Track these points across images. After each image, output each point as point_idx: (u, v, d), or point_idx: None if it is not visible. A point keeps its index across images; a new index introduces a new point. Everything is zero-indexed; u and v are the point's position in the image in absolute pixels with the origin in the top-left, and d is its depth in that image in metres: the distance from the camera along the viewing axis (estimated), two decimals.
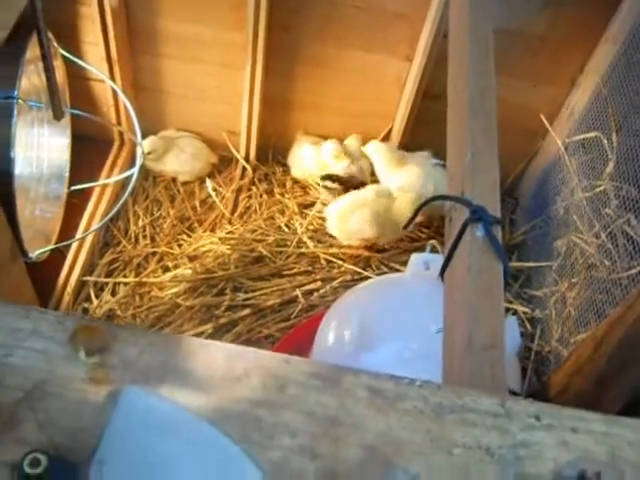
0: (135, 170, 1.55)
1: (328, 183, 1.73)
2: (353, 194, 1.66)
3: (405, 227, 1.37)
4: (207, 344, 0.56)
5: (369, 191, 1.65)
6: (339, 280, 1.59)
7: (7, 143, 1.28)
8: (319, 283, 1.58)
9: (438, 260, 1.04)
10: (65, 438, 0.49)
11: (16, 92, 1.28)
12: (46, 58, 1.17)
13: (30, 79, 1.47)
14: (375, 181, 1.80)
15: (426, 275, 1.10)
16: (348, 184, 1.72)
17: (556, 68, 1.65)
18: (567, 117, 1.69)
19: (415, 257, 1.13)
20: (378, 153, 1.75)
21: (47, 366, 0.53)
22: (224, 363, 0.55)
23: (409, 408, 0.55)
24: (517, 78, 1.66)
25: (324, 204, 1.78)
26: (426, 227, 1.76)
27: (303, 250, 1.66)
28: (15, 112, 1.29)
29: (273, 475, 0.49)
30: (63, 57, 1.51)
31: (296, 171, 1.87)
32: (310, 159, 1.83)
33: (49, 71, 1.19)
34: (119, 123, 1.86)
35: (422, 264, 1.11)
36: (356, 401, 0.54)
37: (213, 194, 1.85)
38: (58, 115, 1.29)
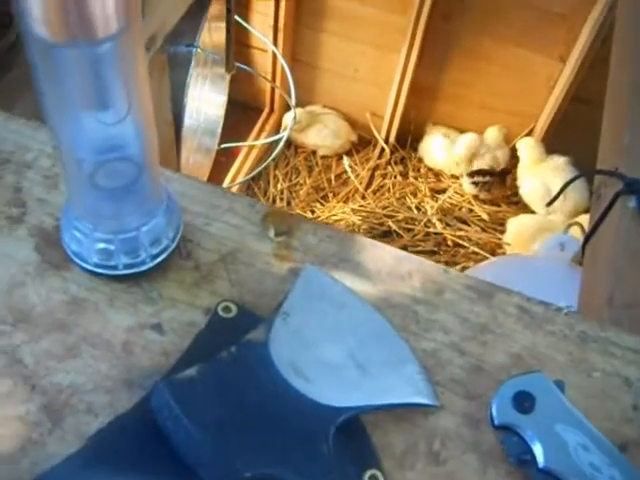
0: (286, 133, 1.66)
1: (478, 178, 1.76)
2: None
3: (548, 204, 1.38)
4: (377, 245, 0.63)
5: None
6: (462, 265, 1.62)
7: (183, 89, 1.40)
8: (442, 265, 1.62)
9: (574, 242, 1.06)
10: (251, 297, 0.57)
11: (197, 43, 1.40)
12: (230, 12, 1.28)
13: (204, 35, 1.60)
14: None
15: (559, 256, 1.12)
16: (495, 175, 1.75)
17: None
18: None
19: (551, 237, 1.15)
20: (527, 150, 1.77)
21: (240, 238, 0.61)
22: (391, 262, 0.61)
23: (555, 331, 0.59)
24: None
25: (458, 193, 1.82)
26: None
27: (431, 230, 1.71)
28: (194, 62, 1.41)
29: (425, 361, 0.55)
30: (235, 22, 1.64)
31: (428, 160, 1.93)
32: (440, 150, 1.88)
33: (230, 24, 1.30)
34: (273, 90, 1.97)
35: (557, 245, 1.13)
36: (506, 316, 0.59)
37: (349, 170, 1.93)
38: (230, 67, 1.40)
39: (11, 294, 0.56)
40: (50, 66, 0.41)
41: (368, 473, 0.48)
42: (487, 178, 1.75)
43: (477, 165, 1.79)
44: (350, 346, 0.52)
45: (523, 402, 0.51)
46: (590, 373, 0.57)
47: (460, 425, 0.53)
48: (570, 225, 1.21)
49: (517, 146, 1.80)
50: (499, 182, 1.74)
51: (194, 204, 0.62)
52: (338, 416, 0.47)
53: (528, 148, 1.77)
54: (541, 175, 1.75)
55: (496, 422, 0.50)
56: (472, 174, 1.82)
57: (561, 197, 1.64)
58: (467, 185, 1.82)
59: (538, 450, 0.49)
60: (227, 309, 0.55)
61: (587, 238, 0.87)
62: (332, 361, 0.51)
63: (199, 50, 1.41)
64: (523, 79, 1.76)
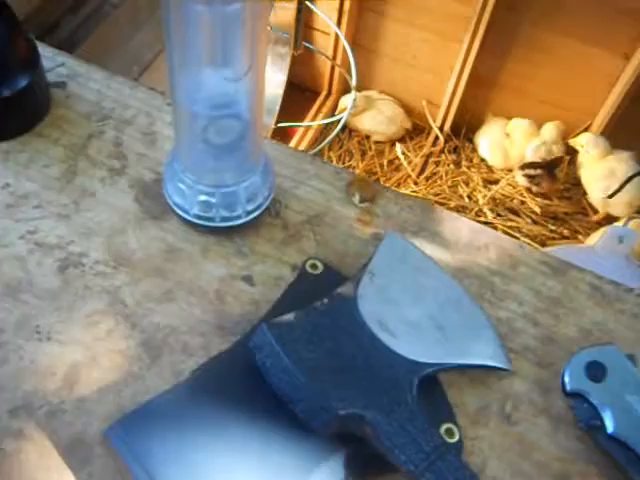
0: (345, 114, 1.68)
1: (530, 171, 1.77)
2: None
3: (610, 197, 1.39)
4: (456, 217, 0.65)
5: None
6: None
7: None
8: None
9: (633, 235, 1.07)
10: (335, 257, 0.60)
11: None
12: None
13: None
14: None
15: (617, 249, 1.13)
16: (548, 168, 1.75)
17: None
18: None
19: (610, 229, 1.16)
20: (588, 145, 1.76)
21: (325, 202, 0.64)
22: (468, 234, 0.64)
23: (625, 309, 0.61)
24: None
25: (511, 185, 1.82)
26: None
27: (482, 219, 1.72)
28: None
29: (500, 328, 0.57)
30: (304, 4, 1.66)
31: (483, 149, 1.93)
32: (498, 140, 1.89)
33: (301, 3, 1.33)
34: (332, 73, 2.00)
35: (616, 237, 1.14)
36: (578, 292, 0.61)
37: (402, 157, 1.95)
38: (297, 46, 1.43)
39: (113, 240, 0.60)
40: (182, 22, 0.44)
41: (444, 426, 0.51)
42: (538, 171, 1.76)
43: (531, 158, 1.80)
44: (430, 308, 0.55)
45: (595, 371, 0.53)
46: None
47: (531, 390, 0.55)
48: (630, 218, 1.21)
49: (579, 140, 1.79)
50: (549, 175, 1.74)
51: (283, 168, 0.65)
52: (421, 370, 0.50)
53: (591, 142, 1.77)
54: (604, 168, 1.74)
55: (568, 388, 0.53)
56: (524, 167, 1.82)
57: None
58: (519, 178, 1.82)
59: (608, 417, 0.51)
60: (314, 266, 0.58)
61: None
62: (414, 320, 0.54)
63: (268, 28, 1.44)
64: (584, 75, 1.75)
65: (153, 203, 0.62)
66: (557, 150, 1.80)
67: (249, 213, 0.58)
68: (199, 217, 0.57)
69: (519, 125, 1.87)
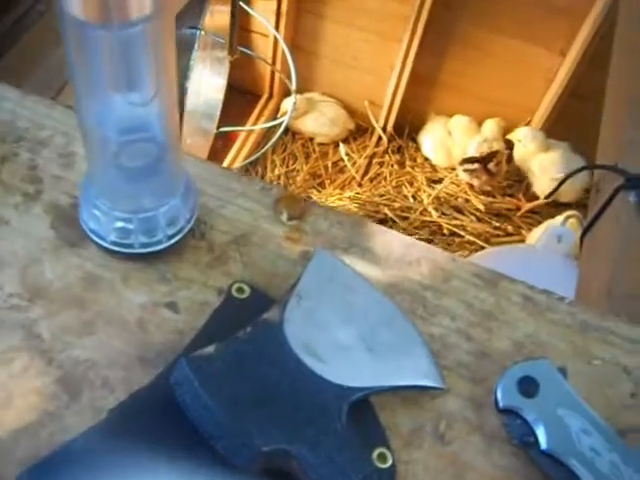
0: (286, 118, 1.66)
1: (467, 166, 1.78)
2: None
3: (547, 197, 1.40)
4: (387, 231, 0.64)
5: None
6: (458, 254, 1.64)
7: (186, 72, 1.41)
8: None
9: (571, 234, 1.08)
10: (263, 279, 0.58)
11: (201, 25, 1.41)
12: None
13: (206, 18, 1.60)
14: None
15: (557, 248, 1.14)
16: (484, 162, 1.77)
17: None
18: None
19: (548, 228, 1.17)
20: (524, 137, 1.78)
21: (252, 221, 0.62)
22: (399, 249, 0.62)
23: (557, 319, 0.60)
24: None
25: (455, 183, 1.83)
26: None
27: (427, 218, 1.73)
28: (197, 44, 1.41)
29: (432, 345, 0.56)
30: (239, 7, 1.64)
31: (426, 148, 1.94)
32: (440, 138, 1.90)
33: (235, 7, 1.31)
34: (273, 76, 1.98)
35: (555, 237, 1.15)
36: (510, 304, 0.61)
37: (345, 158, 1.94)
38: (233, 51, 1.41)
39: (27, 270, 0.57)
40: (83, 46, 0.41)
41: (377, 451, 0.50)
42: (475, 165, 1.77)
43: (471, 154, 1.81)
44: (361, 329, 0.54)
45: (527, 387, 0.52)
46: (590, 361, 0.59)
47: (465, 408, 0.54)
48: (568, 217, 1.23)
49: (516, 135, 1.81)
50: (485, 169, 1.75)
51: (209, 186, 0.63)
52: (350, 395, 0.49)
53: (528, 136, 1.79)
54: (543, 161, 1.77)
55: (501, 405, 0.52)
56: (462, 162, 1.83)
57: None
58: (461, 173, 1.83)
59: (541, 433, 0.51)
60: (241, 290, 0.56)
61: (585, 231, 0.89)
62: (344, 343, 0.52)
63: (202, 33, 1.42)
64: (522, 72, 1.77)
65: (70, 229, 0.59)
66: (498, 146, 1.82)
67: (170, 237, 0.56)
68: (117, 244, 0.55)
69: (460, 123, 1.89)
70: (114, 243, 0.55)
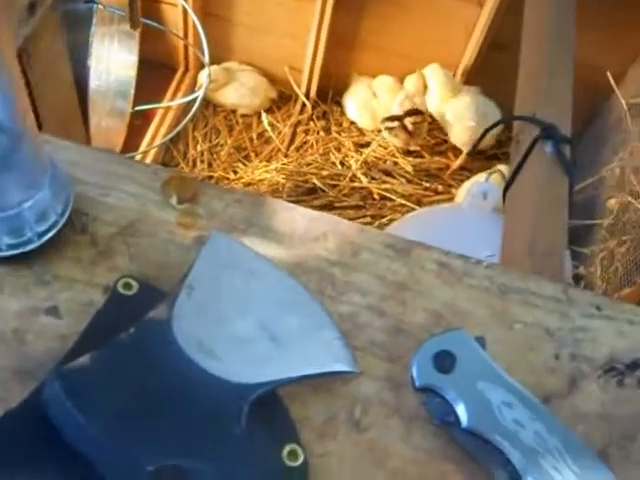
0: (201, 92, 1.59)
1: (388, 124, 1.74)
2: None
3: (472, 151, 1.37)
4: (289, 206, 0.59)
5: None
6: (389, 217, 1.61)
7: (86, 49, 1.31)
8: (369, 219, 1.61)
9: (496, 190, 1.06)
10: (153, 271, 0.53)
11: None
12: None
13: None
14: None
15: (482, 205, 1.12)
16: (405, 116, 1.73)
17: (629, 25, 1.63)
18: (635, 78, 1.67)
19: (472, 186, 1.15)
20: (435, 77, 1.75)
21: (140, 208, 0.56)
22: (304, 224, 0.58)
23: (475, 284, 0.57)
24: (588, 31, 1.63)
25: (382, 146, 1.80)
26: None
27: (356, 184, 1.69)
28: (95, 19, 1.32)
29: (343, 325, 0.52)
30: None
31: (351, 112, 1.89)
32: (365, 100, 1.85)
33: None
34: (187, 48, 1.89)
35: (480, 193, 1.12)
36: (425, 272, 0.57)
37: (269, 128, 1.88)
38: (135, 24, 1.32)
39: None
40: None
41: (287, 448, 0.46)
42: (395, 123, 1.73)
43: (394, 112, 1.77)
44: (262, 317, 0.49)
45: (444, 361, 0.49)
46: (512, 325, 0.56)
47: (382, 390, 0.51)
48: (491, 173, 1.20)
49: (424, 75, 1.78)
50: (404, 127, 1.72)
51: (88, 174, 0.57)
52: (251, 393, 0.45)
53: (436, 74, 1.76)
54: (459, 100, 1.75)
55: (417, 384, 0.48)
56: (383, 120, 1.79)
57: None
58: (384, 133, 1.79)
59: (461, 410, 0.47)
60: (128, 285, 0.51)
61: (507, 185, 0.86)
62: (243, 335, 0.48)
63: (100, 7, 1.32)
64: (442, 26, 1.73)
65: None
66: (420, 102, 1.78)
67: (42, 235, 0.50)
68: None
69: (383, 82, 1.84)
70: None
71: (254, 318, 0.49)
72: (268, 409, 0.47)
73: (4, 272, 0.51)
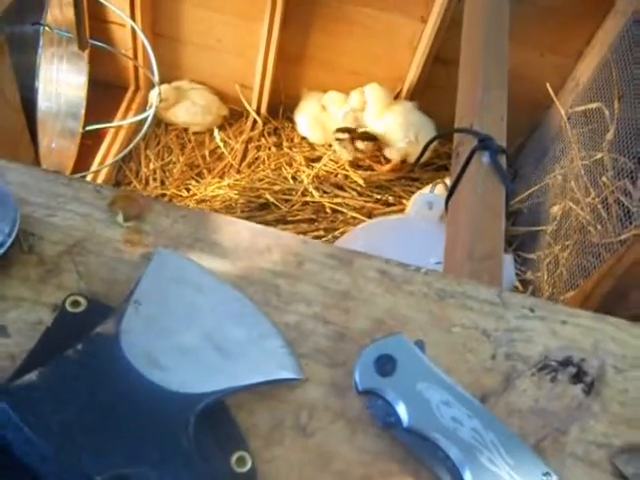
0: (151, 111, 1.60)
1: (339, 135, 1.77)
2: None
3: (415, 164, 1.41)
4: (233, 221, 0.61)
5: None
6: (342, 230, 1.64)
7: (33, 71, 1.31)
8: (322, 232, 1.64)
9: (441, 200, 1.09)
10: (102, 288, 0.54)
11: (43, 20, 1.32)
12: None
13: (55, 12, 1.51)
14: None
15: (428, 215, 1.15)
16: (357, 135, 1.76)
17: (564, 39, 1.69)
18: (572, 88, 1.74)
19: (418, 197, 1.18)
20: (373, 95, 1.80)
21: (87, 227, 0.57)
22: (248, 238, 0.60)
23: (414, 291, 0.60)
24: (525, 47, 1.70)
25: (333, 160, 1.83)
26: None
27: (308, 199, 1.71)
28: (42, 41, 1.32)
29: (288, 334, 0.54)
30: None
31: (302, 127, 1.92)
32: (315, 115, 1.88)
33: None
34: (137, 67, 1.90)
35: (425, 204, 1.16)
36: (367, 280, 0.59)
37: (221, 144, 1.89)
38: (83, 45, 1.33)
39: None
40: None
41: (235, 455, 0.47)
42: (345, 135, 1.77)
43: (343, 124, 1.80)
44: (208, 328, 0.51)
45: (385, 365, 0.51)
46: (450, 329, 0.58)
47: (327, 395, 0.53)
48: (435, 184, 1.24)
49: (364, 93, 1.83)
50: (352, 143, 1.76)
51: (35, 195, 0.58)
52: (198, 403, 0.46)
53: (375, 92, 1.81)
54: (391, 117, 1.80)
55: (360, 387, 0.50)
56: (336, 131, 1.83)
57: (414, 140, 1.70)
58: (334, 143, 1.83)
59: (402, 410, 0.49)
60: (76, 303, 0.52)
61: (449, 195, 0.89)
62: (189, 346, 0.49)
63: (47, 28, 1.33)
64: (387, 42, 1.77)
65: None
66: (361, 117, 1.82)
67: None
68: None
69: (332, 98, 1.87)
70: None
71: (199, 329, 0.51)
72: (215, 418, 0.48)
73: None
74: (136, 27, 1.71)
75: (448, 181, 1.26)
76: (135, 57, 1.88)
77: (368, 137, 1.75)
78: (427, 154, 1.62)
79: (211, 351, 0.50)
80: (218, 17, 1.78)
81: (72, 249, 0.56)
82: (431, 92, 1.83)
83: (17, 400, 0.41)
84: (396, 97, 1.89)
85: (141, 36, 1.67)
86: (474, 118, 0.88)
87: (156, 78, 1.53)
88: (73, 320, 0.51)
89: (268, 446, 0.49)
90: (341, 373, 0.54)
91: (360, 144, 1.74)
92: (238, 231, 0.60)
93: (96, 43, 1.49)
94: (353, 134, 1.75)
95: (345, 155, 1.80)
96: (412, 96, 1.85)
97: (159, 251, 0.54)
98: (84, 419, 0.42)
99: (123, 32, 1.84)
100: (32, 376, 0.43)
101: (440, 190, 1.20)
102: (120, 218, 0.58)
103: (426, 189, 1.38)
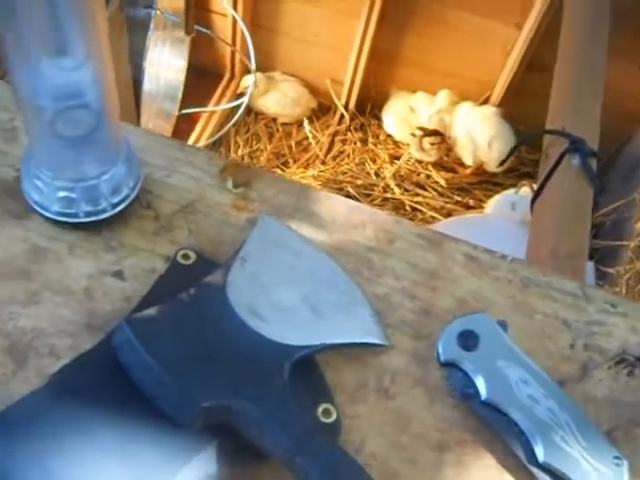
0: (245, 98, 1.66)
1: (416, 131, 1.79)
2: None
3: (501, 164, 1.42)
4: (332, 196, 0.65)
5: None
6: None
7: (142, 52, 1.39)
8: None
9: (524, 201, 1.10)
10: (209, 246, 0.59)
11: (155, 4, 1.39)
12: None
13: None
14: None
15: (510, 215, 1.16)
16: (426, 133, 1.78)
17: None
18: None
19: (502, 197, 1.19)
20: (469, 116, 1.81)
21: (198, 190, 0.62)
22: (344, 213, 0.63)
23: (500, 276, 0.62)
24: (621, 59, 1.67)
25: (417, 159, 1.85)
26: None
27: (389, 195, 1.74)
28: (152, 24, 1.40)
29: (377, 304, 0.58)
30: None
31: (388, 125, 1.95)
32: (403, 114, 1.91)
33: None
34: (233, 56, 1.97)
35: (508, 204, 1.17)
36: (454, 262, 0.62)
37: (310, 136, 1.94)
38: (189, 30, 1.40)
39: None
40: (9, 10, 0.41)
41: (322, 407, 0.51)
42: (420, 133, 1.79)
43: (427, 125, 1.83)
44: (305, 290, 0.55)
45: (467, 340, 0.54)
46: (532, 315, 0.60)
47: (409, 363, 0.56)
48: (521, 185, 1.25)
49: (457, 111, 1.85)
50: (420, 143, 1.78)
51: (154, 157, 0.64)
52: (293, 354, 0.50)
53: (470, 113, 1.82)
54: (471, 123, 1.81)
55: (442, 359, 0.53)
56: (413, 133, 1.85)
57: (487, 147, 1.70)
58: (411, 141, 1.85)
59: (481, 384, 0.52)
60: (186, 256, 0.57)
61: (535, 196, 0.90)
62: (287, 304, 0.53)
63: (158, 12, 1.40)
64: (481, 46, 1.78)
65: (14, 202, 0.59)
66: (449, 118, 1.83)
67: (115, 206, 0.56)
68: (61, 214, 0.55)
69: (421, 98, 1.90)
70: (58, 213, 0.55)
71: (297, 291, 0.55)
72: (307, 372, 0.52)
73: (78, 237, 0.57)
74: (237, 16, 1.77)
75: (534, 186, 1.26)
76: (234, 45, 1.95)
77: (435, 134, 1.76)
78: (512, 160, 1.63)
79: (307, 310, 0.53)
80: (316, 12, 1.83)
81: (185, 209, 0.61)
82: (520, 99, 1.83)
83: (139, 329, 0.45)
84: (484, 102, 1.90)
85: (241, 25, 1.73)
86: (566, 122, 0.89)
87: (253, 65, 1.59)
88: (183, 271, 0.56)
89: (352, 403, 0.53)
90: (424, 345, 0.57)
91: (426, 143, 1.75)
92: (335, 206, 0.64)
93: (201, 29, 1.56)
94: (425, 132, 1.77)
95: (415, 154, 1.83)
96: (502, 101, 1.85)
97: (263, 217, 0.59)
98: (194, 353, 0.46)
99: (224, 21, 1.91)
100: (151, 311, 0.47)
101: (525, 192, 1.21)
102: (229, 184, 0.63)
103: (510, 191, 1.39)
